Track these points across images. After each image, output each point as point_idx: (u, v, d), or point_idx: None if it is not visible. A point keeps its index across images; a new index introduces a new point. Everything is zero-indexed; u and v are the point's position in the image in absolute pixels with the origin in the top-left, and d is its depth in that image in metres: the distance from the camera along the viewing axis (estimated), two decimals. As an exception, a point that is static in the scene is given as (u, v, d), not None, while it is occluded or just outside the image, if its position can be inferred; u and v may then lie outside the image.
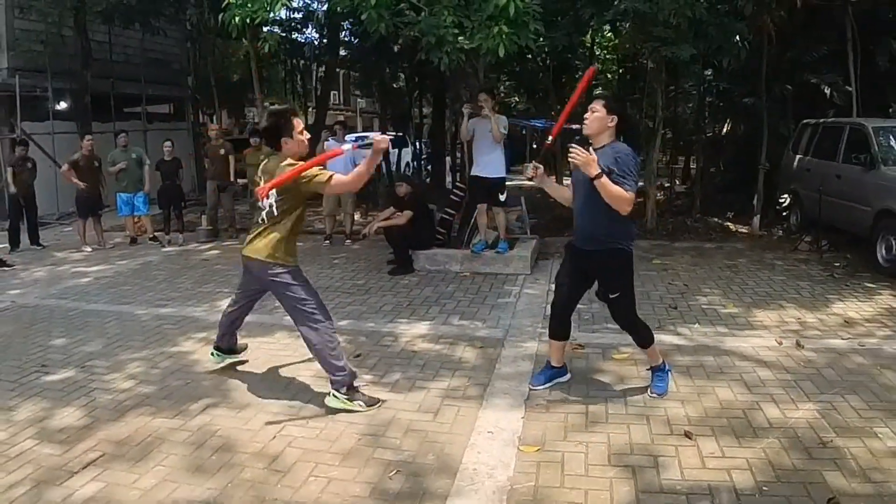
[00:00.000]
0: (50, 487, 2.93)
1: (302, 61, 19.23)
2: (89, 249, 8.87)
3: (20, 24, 11.60)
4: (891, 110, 9.84)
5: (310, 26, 16.20)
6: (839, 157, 7.96)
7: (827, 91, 9.71)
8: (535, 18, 6.51)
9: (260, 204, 3.66)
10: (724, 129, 13.77)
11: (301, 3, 14.44)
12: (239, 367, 4.34)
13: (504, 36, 6.21)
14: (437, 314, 5.56)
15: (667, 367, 3.90)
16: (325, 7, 13.10)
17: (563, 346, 3.98)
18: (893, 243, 6.59)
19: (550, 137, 4.02)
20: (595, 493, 2.83)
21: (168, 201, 9.49)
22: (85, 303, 6.17)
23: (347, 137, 9.85)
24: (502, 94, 20.13)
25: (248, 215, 9.30)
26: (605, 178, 3.37)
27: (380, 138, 3.61)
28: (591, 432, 3.39)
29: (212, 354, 4.31)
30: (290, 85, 21.02)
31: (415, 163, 18.29)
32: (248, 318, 4.29)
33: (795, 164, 9.19)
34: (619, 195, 3.39)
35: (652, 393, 3.80)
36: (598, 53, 17.17)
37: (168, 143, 9.65)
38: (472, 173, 7.20)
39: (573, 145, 3.43)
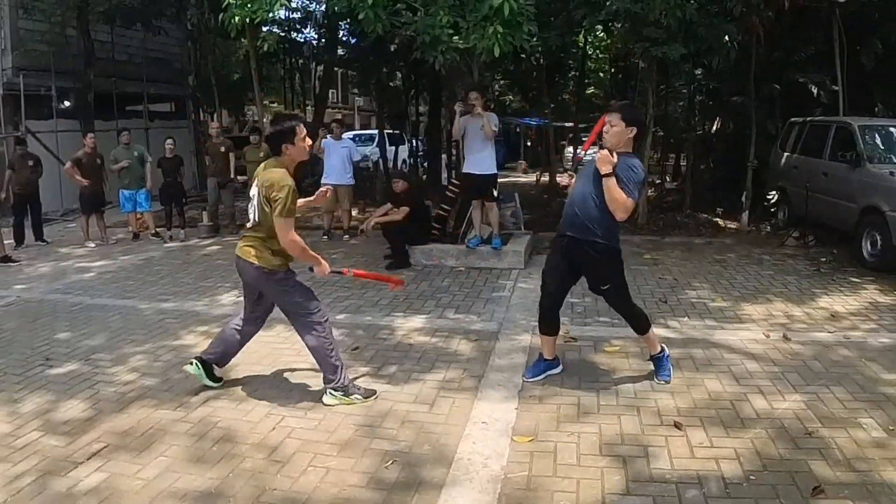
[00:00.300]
0: (55, 478, 2.97)
1: (301, 60, 19.27)
2: (93, 245, 8.93)
3: (24, 25, 11.64)
4: (876, 109, 9.93)
5: (308, 26, 16.30)
6: (826, 154, 8.07)
7: (814, 90, 9.81)
8: (529, 19, 6.57)
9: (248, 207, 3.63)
10: (714, 128, 13.82)
11: (300, 3, 14.48)
12: (239, 361, 4.32)
13: (499, 36, 6.27)
14: (432, 308, 5.62)
15: (665, 353, 3.98)
16: (323, 7, 13.20)
17: (553, 340, 4.06)
18: (878, 239, 6.67)
19: (581, 151, 4.10)
20: (587, 481, 2.89)
21: (170, 198, 9.57)
22: (89, 297, 6.22)
23: (345, 136, 9.90)
24: (497, 93, 20.16)
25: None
26: (614, 180, 3.51)
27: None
28: (582, 423, 3.44)
29: (195, 365, 3.87)
30: (289, 83, 21.02)
31: (411, 160, 18.39)
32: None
33: (783, 161, 9.29)
34: (621, 198, 3.53)
35: (658, 380, 3.90)
36: (590, 53, 17.24)
37: (170, 141, 9.72)
38: (463, 170, 7.27)
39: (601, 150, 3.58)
